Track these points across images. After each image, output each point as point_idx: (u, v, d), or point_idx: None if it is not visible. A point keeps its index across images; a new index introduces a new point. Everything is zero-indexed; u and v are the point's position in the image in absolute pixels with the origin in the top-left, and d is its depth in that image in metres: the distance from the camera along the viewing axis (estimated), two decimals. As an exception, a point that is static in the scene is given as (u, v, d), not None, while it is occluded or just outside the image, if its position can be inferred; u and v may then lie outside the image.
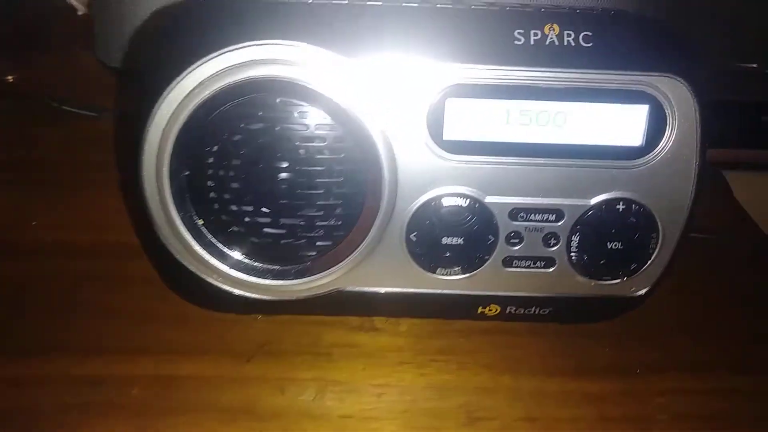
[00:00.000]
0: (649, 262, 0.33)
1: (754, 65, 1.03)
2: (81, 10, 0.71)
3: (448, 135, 0.31)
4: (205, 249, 0.32)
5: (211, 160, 0.31)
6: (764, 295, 0.41)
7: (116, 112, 0.50)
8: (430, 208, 0.32)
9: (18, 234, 0.43)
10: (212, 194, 0.32)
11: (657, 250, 0.33)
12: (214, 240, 0.32)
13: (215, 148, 0.31)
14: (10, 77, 0.61)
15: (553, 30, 0.30)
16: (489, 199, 0.32)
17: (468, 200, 0.32)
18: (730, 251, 0.44)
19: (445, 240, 0.32)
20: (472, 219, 0.32)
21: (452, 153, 0.31)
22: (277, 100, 0.30)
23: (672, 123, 0.31)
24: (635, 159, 0.31)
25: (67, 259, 0.41)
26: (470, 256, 0.33)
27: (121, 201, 0.45)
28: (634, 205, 0.32)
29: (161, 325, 0.36)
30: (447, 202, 0.32)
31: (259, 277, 0.33)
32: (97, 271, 0.40)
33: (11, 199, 0.46)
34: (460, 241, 0.32)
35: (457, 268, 0.33)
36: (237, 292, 0.34)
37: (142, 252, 0.40)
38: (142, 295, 0.38)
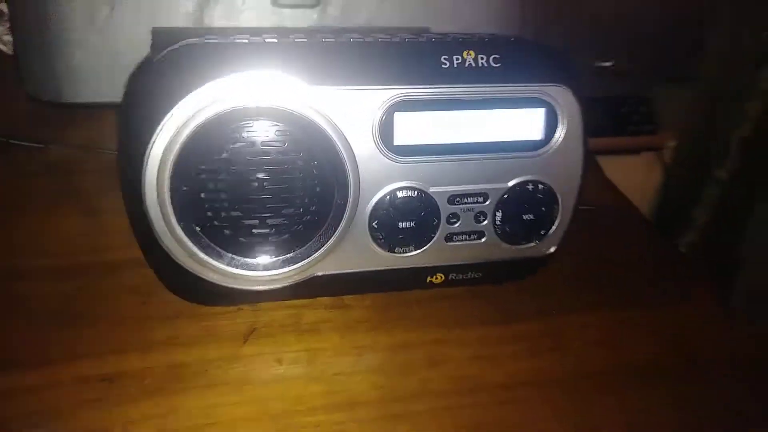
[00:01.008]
0: (553, 227, 0.43)
1: (610, 63, 1.20)
2: (7, 50, 0.72)
3: (398, 141, 0.39)
4: (203, 252, 0.38)
5: (203, 176, 0.37)
6: (634, 249, 0.53)
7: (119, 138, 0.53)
8: (387, 200, 0.40)
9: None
10: (207, 204, 0.38)
11: (558, 217, 0.43)
12: (211, 243, 0.38)
13: (206, 166, 0.37)
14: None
15: (470, 54, 0.39)
16: (432, 189, 0.40)
17: (416, 191, 0.40)
18: (608, 218, 0.56)
19: (401, 224, 0.40)
20: (420, 206, 0.40)
21: (401, 155, 0.39)
22: (258, 122, 0.37)
23: (563, 120, 0.41)
24: (538, 149, 0.41)
25: (49, 280, 0.44)
26: (420, 236, 0.41)
27: (82, 224, 0.50)
28: (539, 185, 0.42)
29: (154, 326, 0.41)
30: (400, 194, 0.40)
31: (250, 270, 0.39)
32: (79, 289, 0.44)
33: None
34: (412, 224, 0.40)
35: (410, 247, 0.41)
36: (231, 286, 0.40)
37: (117, 267, 0.45)
38: (128, 303, 0.43)
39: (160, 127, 0.36)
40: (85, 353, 0.39)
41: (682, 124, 1.24)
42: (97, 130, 0.60)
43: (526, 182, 0.41)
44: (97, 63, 0.62)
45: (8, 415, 0.35)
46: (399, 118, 0.38)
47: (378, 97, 0.38)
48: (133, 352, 0.40)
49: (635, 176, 1.20)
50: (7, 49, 0.70)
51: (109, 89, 0.59)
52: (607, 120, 1.13)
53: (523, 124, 0.41)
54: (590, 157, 0.64)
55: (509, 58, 0.39)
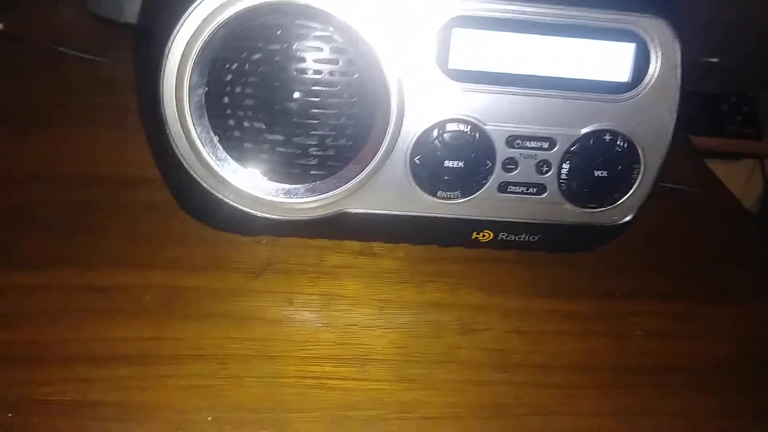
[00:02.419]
0: (631, 191, 0.36)
1: (716, 60, 1.09)
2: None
3: (453, 64, 0.33)
4: (219, 164, 0.34)
5: (229, 77, 0.33)
6: (724, 237, 0.45)
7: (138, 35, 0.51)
8: (435, 132, 0.34)
9: (13, 164, 0.43)
10: (229, 111, 0.33)
11: (638, 180, 0.36)
12: (228, 156, 0.34)
13: (234, 66, 0.33)
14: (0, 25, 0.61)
15: (553, -31, 0.33)
16: (489, 126, 0.34)
17: (469, 126, 0.34)
18: (698, 201, 0.48)
19: (447, 163, 0.35)
20: (472, 144, 0.34)
21: (456, 81, 0.33)
22: (295, 22, 0.32)
23: (656, 62, 0.34)
24: (622, 93, 0.34)
25: (68, 188, 0.41)
26: (469, 180, 0.35)
27: (117, 137, 0.47)
28: (619, 137, 0.35)
29: (166, 246, 0.38)
30: (450, 127, 0.34)
31: (269, 194, 0.35)
32: (97, 199, 0.41)
33: (10, 136, 0.46)
34: (461, 165, 0.35)
35: (456, 192, 0.35)
36: (246, 209, 0.35)
37: (141, 182, 0.42)
38: (144, 219, 0.40)
39: (185, 16, 0.31)
40: (85, 262, 0.36)
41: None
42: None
43: (602, 131, 0.35)
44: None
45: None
46: (458, 35, 0.33)
47: (436, 6, 0.32)
48: (136, 268, 0.36)
49: (733, 184, 1.09)
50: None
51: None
52: (705, 117, 1.02)
53: (606, 60, 0.34)
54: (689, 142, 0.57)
55: (599, -22, 0.33)
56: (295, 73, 0.32)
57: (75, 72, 0.54)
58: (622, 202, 0.37)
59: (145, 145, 0.44)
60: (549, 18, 0.33)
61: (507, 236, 0.38)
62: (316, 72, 0.33)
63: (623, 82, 0.34)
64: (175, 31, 0.32)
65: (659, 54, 0.34)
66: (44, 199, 0.40)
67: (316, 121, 0.33)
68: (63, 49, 0.53)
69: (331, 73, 0.33)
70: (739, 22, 1.04)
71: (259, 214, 0.35)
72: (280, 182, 0.35)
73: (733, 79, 1.05)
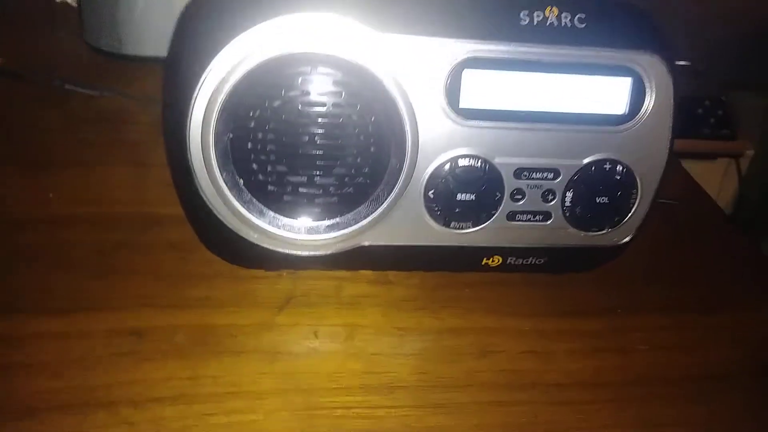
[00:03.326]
0: (629, 214, 0.39)
1: (687, 62, 1.13)
2: (71, 2, 0.71)
3: (464, 103, 0.35)
4: (245, 207, 0.35)
5: (252, 124, 0.34)
6: (716, 249, 0.48)
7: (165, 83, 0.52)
8: (447, 167, 0.36)
9: (32, 208, 0.44)
10: (253, 155, 0.35)
11: (636, 204, 0.38)
12: (254, 199, 0.35)
13: (257, 113, 0.34)
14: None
15: (553, 12, 0.35)
16: (497, 160, 0.36)
17: (480, 161, 0.36)
18: (688, 215, 0.50)
19: (459, 196, 0.37)
20: (482, 177, 0.36)
21: (467, 119, 0.35)
22: (315, 70, 0.34)
23: (651, 94, 0.36)
24: (620, 125, 0.37)
25: (89, 230, 0.42)
26: (480, 211, 0.37)
27: (132, 175, 0.48)
28: (618, 165, 0.37)
29: (190, 284, 0.39)
30: (462, 162, 0.36)
31: (292, 232, 0.36)
32: (119, 239, 0.42)
33: (21, 177, 0.47)
34: (472, 197, 0.37)
35: (468, 222, 0.38)
36: (271, 248, 0.37)
37: (160, 221, 0.43)
38: (167, 258, 0.41)
39: (209, 68, 0.33)
40: (117, 305, 0.37)
41: (760, 131, 1.16)
42: (155, 84, 0.58)
43: (603, 161, 0.37)
44: (160, 17, 0.60)
45: (33, 361, 0.33)
46: (468, 76, 0.35)
47: (446, 50, 0.34)
48: (165, 309, 0.37)
49: (710, 182, 1.13)
50: (72, 1, 0.69)
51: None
52: (681, 120, 1.06)
53: (605, 94, 0.36)
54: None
55: (596, 19, 0.35)
56: (315, 118, 0.34)
57: (80, 108, 0.55)
58: (621, 225, 0.39)
59: (162, 181, 0.45)
60: (552, 57, 0.35)
61: (515, 260, 0.40)
62: (335, 116, 0.34)
63: (621, 115, 0.37)
64: (201, 80, 0.33)
65: (654, 87, 0.36)
66: (67, 242, 0.41)
67: (335, 163, 0.35)
68: (68, 86, 0.54)
69: (349, 116, 0.34)
70: (710, 26, 1.08)
71: (282, 251, 0.37)
72: (303, 221, 0.36)
73: (707, 83, 1.08)
